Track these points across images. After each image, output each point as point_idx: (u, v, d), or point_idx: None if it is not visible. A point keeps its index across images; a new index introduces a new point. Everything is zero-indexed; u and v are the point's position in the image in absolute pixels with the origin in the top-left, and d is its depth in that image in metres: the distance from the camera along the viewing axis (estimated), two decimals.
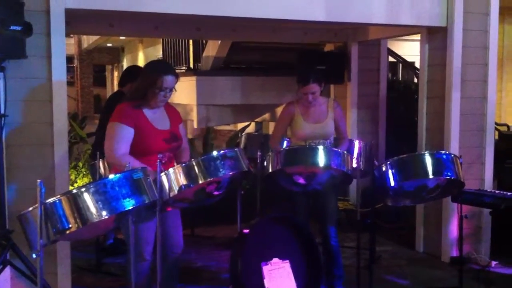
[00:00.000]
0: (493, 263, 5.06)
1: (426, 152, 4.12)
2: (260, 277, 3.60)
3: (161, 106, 3.52)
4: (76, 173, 7.88)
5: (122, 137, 3.34)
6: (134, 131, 3.36)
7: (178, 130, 3.60)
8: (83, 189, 2.67)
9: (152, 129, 3.44)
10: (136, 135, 3.38)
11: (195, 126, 8.51)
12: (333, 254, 4.21)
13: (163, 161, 3.34)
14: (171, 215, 3.55)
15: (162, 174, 3.16)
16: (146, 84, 3.41)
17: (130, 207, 2.76)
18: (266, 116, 9.01)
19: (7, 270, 3.67)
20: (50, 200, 2.65)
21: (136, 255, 3.40)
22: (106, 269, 4.92)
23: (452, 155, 3.90)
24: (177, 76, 3.51)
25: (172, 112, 3.66)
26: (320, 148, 3.74)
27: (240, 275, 3.60)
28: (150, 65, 3.64)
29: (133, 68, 5.93)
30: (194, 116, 7.86)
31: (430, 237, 5.44)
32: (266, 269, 3.60)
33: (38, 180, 2.64)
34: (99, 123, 5.46)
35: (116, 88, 5.37)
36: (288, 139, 4.84)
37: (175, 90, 3.52)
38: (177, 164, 3.37)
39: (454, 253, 5.11)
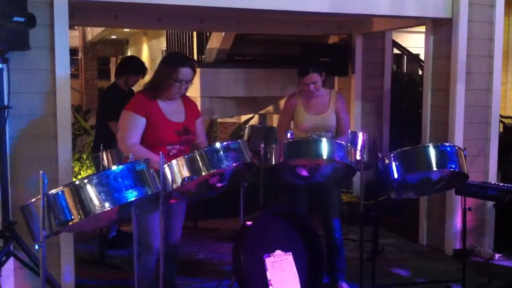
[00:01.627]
0: (497, 256, 5.06)
1: (430, 144, 4.11)
2: (263, 269, 3.60)
3: (177, 98, 3.55)
4: (80, 165, 7.89)
5: (133, 126, 3.41)
6: (146, 121, 3.41)
7: (192, 124, 3.62)
8: (85, 181, 2.67)
9: (164, 120, 3.47)
10: (148, 125, 3.42)
11: None
12: (336, 246, 4.21)
13: (172, 153, 3.35)
14: (176, 208, 3.57)
15: (165, 166, 3.16)
16: (162, 75, 3.46)
17: (133, 199, 2.76)
18: (270, 108, 8.98)
19: (11, 262, 3.68)
20: (53, 191, 2.65)
21: (144, 249, 3.42)
22: (109, 261, 4.93)
23: (456, 148, 3.88)
24: (194, 69, 3.53)
25: (190, 106, 3.68)
26: (324, 140, 3.73)
27: (243, 267, 3.60)
28: (168, 56, 3.71)
29: (127, 60, 5.91)
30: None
31: (433, 230, 5.43)
32: (268, 261, 3.60)
33: (41, 172, 2.64)
34: (96, 116, 5.47)
35: None
36: (291, 131, 4.83)
37: (192, 83, 3.56)
38: None
39: (458, 245, 5.10)
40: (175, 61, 3.50)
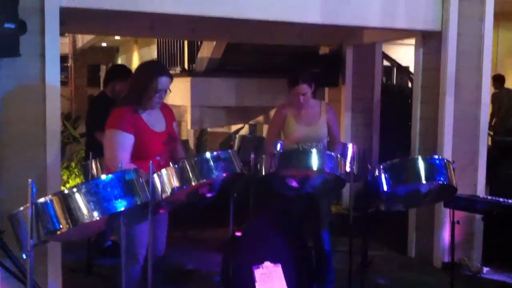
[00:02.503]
0: (485, 269, 5.07)
1: (419, 156, 4.12)
2: (252, 281, 3.59)
3: (157, 107, 3.49)
4: (68, 173, 7.84)
5: (122, 145, 3.30)
6: (134, 138, 3.31)
7: (173, 130, 3.58)
8: (74, 190, 2.64)
9: (151, 132, 3.41)
10: (136, 140, 3.33)
11: (189, 127, 8.50)
12: (325, 258, 4.21)
13: (162, 164, 3.33)
14: (159, 219, 3.51)
15: (155, 175, 3.14)
16: (140, 87, 3.36)
17: (122, 208, 2.73)
18: (260, 118, 9.00)
19: None
20: (41, 200, 2.62)
21: (130, 257, 3.38)
22: (96, 270, 4.89)
23: (445, 160, 3.89)
24: (171, 77, 3.47)
25: (167, 111, 3.62)
26: (314, 151, 3.73)
27: (232, 278, 3.58)
28: (143, 66, 3.55)
29: (112, 68, 5.89)
30: (188, 117, 7.85)
31: (422, 242, 5.44)
32: (257, 272, 3.59)
33: (30, 180, 2.62)
34: (86, 127, 5.42)
35: None
36: (281, 142, 4.82)
37: (170, 91, 3.49)
38: (172, 162, 3.33)
39: (446, 258, 5.11)
40: (153, 71, 3.39)
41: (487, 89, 5.29)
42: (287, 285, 3.65)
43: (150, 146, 3.40)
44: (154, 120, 3.47)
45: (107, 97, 5.25)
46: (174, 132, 3.58)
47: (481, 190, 5.25)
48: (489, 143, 6.16)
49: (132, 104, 3.38)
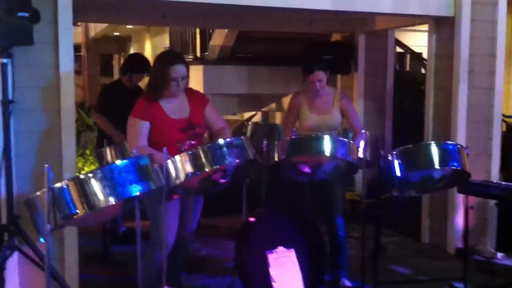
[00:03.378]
0: (499, 254, 5.06)
1: (432, 142, 4.11)
2: (265, 266, 3.62)
3: (177, 95, 3.57)
4: (83, 160, 7.91)
5: (138, 131, 3.49)
6: (150, 124, 3.49)
7: (198, 117, 3.63)
8: (90, 175, 2.69)
9: (167, 119, 3.52)
10: (153, 127, 3.50)
11: None
12: (339, 244, 4.21)
13: (183, 149, 3.38)
14: (194, 201, 3.67)
15: (169, 161, 3.18)
16: (157, 77, 3.52)
17: (137, 193, 2.77)
18: (273, 105, 9.00)
19: (15, 256, 3.69)
20: (58, 185, 2.67)
21: (155, 241, 3.43)
22: (113, 257, 4.95)
23: (459, 146, 3.89)
24: (186, 64, 3.56)
25: (194, 98, 3.69)
26: (326, 137, 3.73)
27: (245, 264, 3.62)
28: (158, 58, 3.68)
29: (131, 58, 5.88)
30: None
31: (435, 228, 5.44)
32: (271, 257, 3.62)
33: (46, 165, 2.66)
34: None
35: None
36: (295, 130, 4.84)
37: (188, 78, 3.58)
38: None
39: (460, 244, 5.11)
40: (165, 61, 3.54)
41: (500, 76, 5.24)
42: (300, 269, 3.68)
43: (167, 133, 3.51)
44: (174, 108, 3.57)
45: (122, 85, 5.28)
46: (198, 120, 3.62)
47: (494, 176, 5.22)
48: (504, 128, 6.11)
49: (153, 93, 3.55)
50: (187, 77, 3.55)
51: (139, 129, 3.49)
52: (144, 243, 3.24)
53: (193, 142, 3.56)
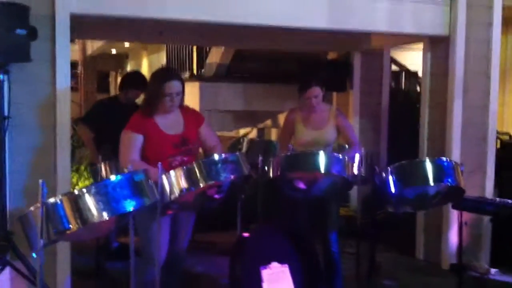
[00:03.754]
0: (493, 270, 5.06)
1: (426, 158, 4.13)
2: (259, 281, 3.61)
3: (173, 110, 3.61)
4: (78, 176, 7.90)
5: (131, 144, 3.51)
6: (143, 138, 3.52)
7: (192, 134, 3.65)
8: (84, 190, 2.69)
9: (161, 134, 3.54)
10: (147, 141, 3.52)
11: None
12: (333, 261, 4.20)
13: (174, 165, 3.38)
14: (185, 218, 3.67)
15: (163, 176, 3.18)
16: (152, 93, 3.57)
17: (131, 209, 2.77)
18: (268, 122, 9.03)
19: (7, 271, 3.68)
20: (52, 200, 2.67)
21: (146, 258, 3.43)
22: (105, 273, 4.92)
23: (453, 162, 3.90)
24: (181, 80, 3.59)
25: (189, 116, 3.73)
26: (321, 153, 3.74)
27: (239, 279, 3.61)
28: (154, 74, 3.73)
29: (128, 75, 5.94)
30: None
31: (430, 244, 5.44)
32: (265, 273, 3.61)
33: (40, 180, 2.66)
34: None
35: None
36: (290, 146, 4.85)
37: (183, 94, 3.62)
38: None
39: (454, 260, 5.10)
40: (160, 77, 3.60)
41: (495, 95, 5.28)
42: (294, 286, 3.66)
43: (159, 148, 3.52)
44: (169, 123, 3.60)
45: (118, 101, 5.32)
46: (191, 137, 3.64)
47: (489, 193, 5.24)
48: (498, 145, 6.14)
49: (147, 108, 3.59)
50: (182, 93, 3.59)
51: (133, 142, 3.51)
52: (137, 259, 3.23)
53: (185, 158, 3.56)
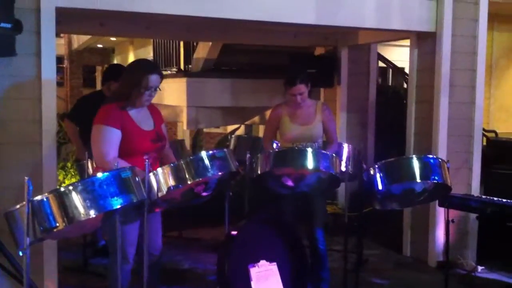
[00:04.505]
0: (479, 268, 5.10)
1: (413, 156, 4.14)
2: (247, 279, 3.60)
3: (146, 105, 3.48)
4: (64, 173, 7.84)
5: (109, 140, 3.27)
6: (121, 133, 3.31)
7: (161, 130, 3.57)
8: (70, 187, 2.65)
9: (138, 130, 3.39)
10: (122, 136, 3.32)
11: (185, 128, 8.50)
12: (320, 257, 4.21)
13: (150, 162, 3.32)
14: (151, 218, 3.43)
15: (151, 174, 3.15)
16: (131, 84, 3.34)
17: (118, 206, 2.74)
18: (256, 119, 9.02)
19: None
20: (38, 197, 2.63)
21: (120, 257, 3.39)
22: (92, 269, 4.90)
23: (440, 160, 3.92)
24: (161, 75, 3.46)
25: (155, 111, 3.61)
26: (309, 150, 3.74)
27: (227, 277, 3.59)
28: (134, 64, 3.56)
29: (109, 67, 5.90)
30: (184, 118, 7.86)
31: (417, 241, 5.47)
32: (253, 271, 3.60)
33: (26, 178, 2.63)
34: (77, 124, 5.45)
35: None
36: (277, 141, 4.84)
37: (160, 89, 3.49)
38: (163, 165, 3.30)
39: (441, 257, 5.14)
40: (143, 68, 3.39)
41: (481, 90, 5.32)
42: (282, 283, 3.66)
43: (137, 144, 3.37)
44: (142, 118, 3.45)
45: (103, 95, 5.27)
46: (162, 133, 3.56)
47: (475, 190, 5.28)
48: (484, 143, 6.18)
49: (121, 101, 3.38)
50: (158, 88, 3.45)
51: (111, 138, 3.27)
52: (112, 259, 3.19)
53: (156, 155, 3.49)
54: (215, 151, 3.37)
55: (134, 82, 3.33)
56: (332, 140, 4.34)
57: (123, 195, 2.78)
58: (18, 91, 3.87)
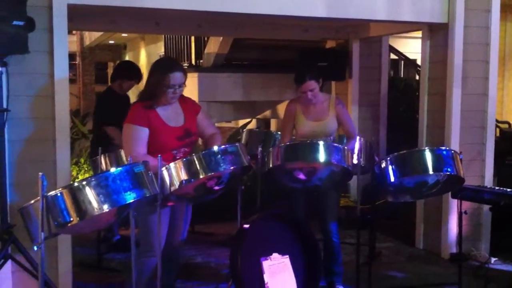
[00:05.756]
0: (493, 259, 5.07)
1: (426, 148, 4.13)
2: (260, 272, 3.62)
3: (173, 102, 3.56)
4: (77, 169, 7.90)
5: (138, 138, 3.43)
6: (148, 131, 3.44)
7: (193, 125, 3.62)
8: (84, 182, 2.68)
9: (165, 127, 3.49)
10: (150, 134, 3.45)
11: None
12: (333, 250, 4.21)
13: (178, 157, 3.37)
14: (183, 207, 3.63)
15: (163, 168, 3.18)
16: (155, 84, 3.46)
17: (131, 201, 2.77)
18: (267, 113, 9.02)
19: (9, 264, 3.69)
20: (52, 193, 2.67)
21: (146, 250, 3.43)
22: (106, 264, 4.94)
23: (452, 151, 3.90)
24: (184, 72, 3.54)
25: (187, 105, 3.67)
26: (321, 143, 3.74)
27: (240, 270, 3.61)
28: (156, 64, 3.64)
29: (121, 65, 5.94)
30: None
31: (430, 233, 5.45)
32: (265, 264, 3.62)
33: (40, 173, 2.66)
34: (93, 123, 5.48)
35: None
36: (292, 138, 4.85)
37: (185, 85, 3.56)
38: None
39: (454, 249, 5.12)
40: (164, 67, 3.49)
41: (494, 81, 5.27)
42: (295, 276, 3.68)
43: (163, 141, 3.47)
44: (170, 115, 3.54)
45: (115, 92, 5.30)
46: (193, 128, 3.61)
47: (488, 181, 5.25)
48: (497, 134, 6.14)
49: (148, 100, 3.49)
50: (183, 84, 3.54)
51: (139, 136, 3.43)
52: (138, 251, 3.22)
53: (187, 150, 3.55)
54: (227, 145, 3.39)
55: (157, 81, 3.45)
56: (352, 135, 4.31)
57: (136, 189, 2.81)
58: (31, 89, 3.91)
